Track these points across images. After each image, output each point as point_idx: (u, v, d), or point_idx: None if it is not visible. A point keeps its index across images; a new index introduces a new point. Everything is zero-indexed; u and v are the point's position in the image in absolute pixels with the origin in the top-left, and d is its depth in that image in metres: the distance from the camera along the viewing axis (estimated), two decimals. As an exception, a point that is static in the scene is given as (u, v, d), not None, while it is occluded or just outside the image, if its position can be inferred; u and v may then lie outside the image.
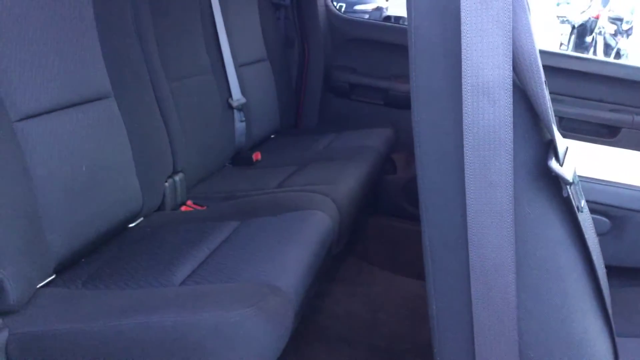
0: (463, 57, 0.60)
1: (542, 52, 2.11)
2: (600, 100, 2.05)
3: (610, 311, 0.71)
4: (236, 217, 1.23)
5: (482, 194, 0.63)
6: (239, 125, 1.77)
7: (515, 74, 0.61)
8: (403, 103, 2.14)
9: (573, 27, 10.27)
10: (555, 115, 2.08)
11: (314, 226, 1.14)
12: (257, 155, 1.80)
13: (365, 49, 2.32)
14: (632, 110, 2.01)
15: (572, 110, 2.04)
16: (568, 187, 0.63)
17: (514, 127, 0.62)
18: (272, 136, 2.16)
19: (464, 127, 0.62)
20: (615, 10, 8.12)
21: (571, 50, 9.87)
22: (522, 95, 0.63)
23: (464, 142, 0.62)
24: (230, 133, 1.74)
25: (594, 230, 0.70)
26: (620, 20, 7.33)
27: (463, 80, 0.60)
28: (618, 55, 6.69)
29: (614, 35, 7.30)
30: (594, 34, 8.62)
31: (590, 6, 10.09)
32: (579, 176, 1.23)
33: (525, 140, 0.63)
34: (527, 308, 0.66)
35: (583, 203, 0.66)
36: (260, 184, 1.51)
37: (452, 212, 0.67)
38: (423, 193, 0.69)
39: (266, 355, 0.84)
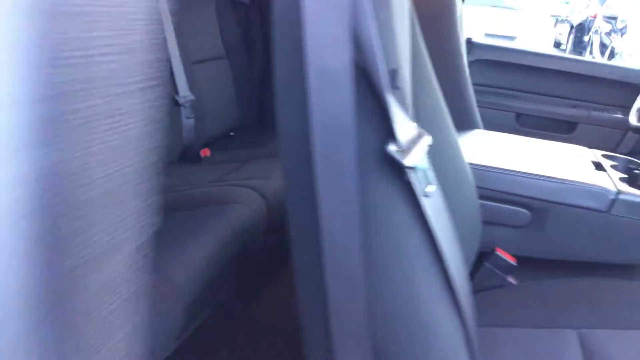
0: (305, 43, 0.60)
1: (500, 49, 2.11)
2: (559, 96, 2.04)
3: (462, 298, 0.70)
4: (155, 212, 1.23)
5: (329, 180, 0.63)
6: (186, 122, 1.77)
7: (359, 59, 0.61)
8: None
9: (572, 27, 10.25)
10: (513, 112, 2.08)
11: (227, 220, 1.14)
12: (205, 152, 1.80)
13: None
14: (589, 106, 2.00)
15: (530, 107, 2.03)
16: (410, 172, 0.62)
17: (359, 112, 0.61)
18: (232, 133, 2.16)
19: (310, 114, 0.62)
20: (611, 9, 8.10)
21: (570, 50, 9.87)
22: (369, 80, 0.62)
23: (312, 130, 0.62)
24: (176, 130, 1.74)
25: (446, 217, 0.69)
26: (615, 19, 7.30)
27: (307, 67, 0.61)
28: (612, 53, 6.66)
29: (609, 34, 7.27)
30: (590, 34, 8.60)
31: (588, 5, 10.06)
32: (501, 169, 1.23)
33: (371, 126, 0.63)
34: (376, 291, 0.65)
35: (431, 189, 0.65)
36: (195, 180, 1.52)
37: (308, 201, 0.67)
38: (286, 183, 0.69)
39: (156, 340, 0.85)
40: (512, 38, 6.71)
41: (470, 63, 2.06)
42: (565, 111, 1.99)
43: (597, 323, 0.98)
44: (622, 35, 6.80)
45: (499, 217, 1.20)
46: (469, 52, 2.06)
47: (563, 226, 1.16)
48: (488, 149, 1.30)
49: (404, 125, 0.63)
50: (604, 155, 1.38)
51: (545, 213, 1.16)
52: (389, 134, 0.62)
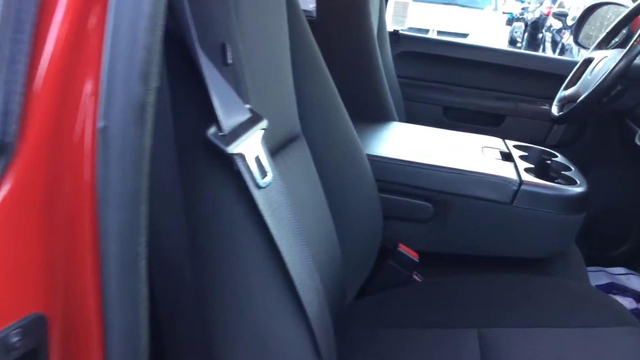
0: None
1: (426, 41, 2.06)
2: (486, 89, 2.00)
3: (309, 303, 0.63)
4: None
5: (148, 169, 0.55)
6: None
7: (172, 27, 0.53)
8: None
9: (526, 24, 10.42)
10: (440, 105, 2.03)
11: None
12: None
13: None
14: (517, 98, 1.97)
15: (457, 100, 1.99)
16: (238, 160, 0.55)
17: (175, 91, 0.54)
18: None
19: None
20: (563, 5, 8.24)
21: (525, 47, 10.02)
22: (183, 52, 0.54)
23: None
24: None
25: (287, 210, 0.62)
26: (565, 16, 7.40)
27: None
28: (563, 50, 6.75)
29: (559, 31, 7.37)
30: (543, 31, 8.74)
31: (542, 3, 10.24)
32: (400, 160, 1.16)
33: (190, 108, 0.55)
34: (208, 296, 0.58)
35: (268, 178, 0.58)
36: None
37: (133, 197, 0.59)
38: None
39: None
40: (464, 35, 6.75)
41: (397, 55, 2.01)
42: (492, 104, 1.96)
43: (498, 321, 0.93)
44: (571, 32, 6.89)
45: (401, 211, 1.14)
46: (395, 44, 2.01)
47: (466, 219, 1.11)
48: (393, 141, 1.24)
49: (230, 107, 0.55)
50: (516, 146, 1.33)
51: (447, 206, 1.11)
52: (211, 117, 0.54)
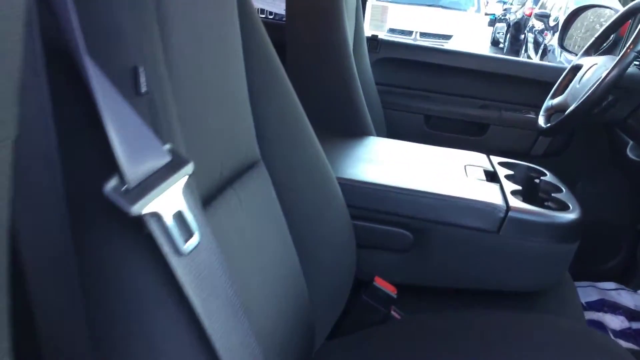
0: None
1: (407, 46, 1.96)
2: (469, 96, 1.91)
3: None
4: None
5: (32, 234, 0.43)
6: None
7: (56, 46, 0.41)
8: None
9: (508, 25, 10.41)
10: (421, 114, 1.93)
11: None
12: None
13: None
14: (501, 106, 1.87)
15: (439, 108, 1.89)
16: (151, 221, 0.42)
17: (65, 143, 0.41)
18: None
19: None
20: (545, 6, 8.22)
21: (507, 48, 10.00)
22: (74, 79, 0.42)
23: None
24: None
25: (223, 280, 0.49)
26: (547, 17, 7.38)
27: None
28: (545, 51, 6.71)
29: (541, 32, 7.35)
30: (525, 31, 8.72)
31: (524, 4, 10.24)
32: (375, 184, 1.05)
33: (84, 153, 0.43)
34: None
35: (193, 241, 0.45)
36: None
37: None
38: None
39: None
40: (448, 37, 6.69)
41: (376, 62, 1.90)
42: (476, 112, 1.86)
43: None
44: (553, 33, 6.86)
45: (377, 241, 1.03)
46: (374, 50, 1.91)
47: (448, 249, 1.00)
48: (368, 160, 1.13)
49: (139, 151, 0.43)
50: (501, 163, 1.23)
51: (428, 235, 1.00)
52: (112, 166, 0.42)
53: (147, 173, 0.42)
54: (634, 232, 1.83)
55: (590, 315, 1.70)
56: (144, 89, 0.46)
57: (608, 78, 1.19)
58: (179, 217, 0.44)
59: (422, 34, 6.60)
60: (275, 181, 0.82)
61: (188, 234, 0.45)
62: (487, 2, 8.89)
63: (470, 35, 6.76)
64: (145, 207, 0.41)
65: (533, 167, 1.23)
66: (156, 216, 0.42)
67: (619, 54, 1.73)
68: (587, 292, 1.85)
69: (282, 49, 1.42)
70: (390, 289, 0.99)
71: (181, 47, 0.55)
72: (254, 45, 0.79)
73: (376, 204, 1.00)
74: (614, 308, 1.77)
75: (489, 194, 1.00)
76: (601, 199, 1.84)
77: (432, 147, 1.29)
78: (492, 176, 1.15)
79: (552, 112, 1.52)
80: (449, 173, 1.10)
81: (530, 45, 7.85)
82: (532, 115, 1.83)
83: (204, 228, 0.47)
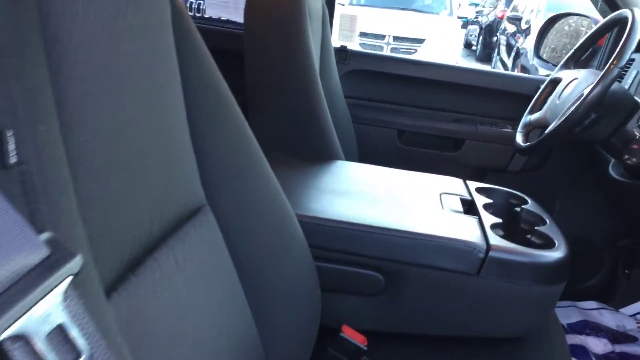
0: None
1: (378, 57, 1.85)
2: (444, 110, 1.82)
3: None
4: None
5: None
6: None
7: None
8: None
9: (481, 28, 10.46)
10: (395, 129, 1.83)
11: None
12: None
13: None
14: (477, 120, 1.79)
15: (413, 122, 1.79)
16: (18, 347, 0.31)
17: None
18: None
19: None
20: (517, 9, 8.25)
21: (479, 51, 10.04)
22: None
23: None
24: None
25: None
26: (519, 19, 7.40)
27: None
28: (518, 54, 6.71)
29: (514, 34, 7.36)
30: (498, 34, 8.75)
31: (496, 6, 10.30)
32: (340, 221, 0.95)
33: None
34: None
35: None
36: None
37: None
38: None
39: None
40: (421, 41, 6.64)
41: (346, 74, 1.80)
42: (450, 126, 1.77)
43: None
44: (526, 36, 6.87)
45: (344, 284, 0.92)
46: (343, 62, 1.80)
47: (423, 293, 0.90)
48: (332, 192, 1.02)
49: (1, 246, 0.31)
50: (479, 189, 1.13)
51: (401, 277, 0.89)
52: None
53: (10, 279, 0.31)
54: (615, 249, 1.76)
55: (573, 339, 1.62)
56: (13, 159, 0.34)
57: (591, 96, 1.11)
58: (59, 334, 0.33)
59: (395, 38, 6.53)
60: (224, 227, 0.71)
61: (73, 354, 0.33)
62: (460, 5, 8.90)
63: (444, 38, 6.71)
64: (5, 330, 0.30)
65: (513, 194, 1.14)
66: (22, 340, 0.31)
67: (600, 67, 1.66)
68: (568, 313, 1.78)
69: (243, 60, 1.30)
70: (359, 340, 0.88)
71: (85, 84, 0.44)
72: (194, 69, 0.67)
73: (342, 245, 0.89)
74: (597, 330, 1.70)
75: (468, 231, 0.90)
76: (581, 215, 1.77)
77: (405, 173, 1.19)
78: (469, 205, 1.05)
79: (530, 129, 1.44)
80: (423, 205, 1.00)
81: (503, 48, 7.87)
82: (509, 130, 1.75)
83: (99, 342, 0.35)
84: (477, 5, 11.72)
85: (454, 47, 6.87)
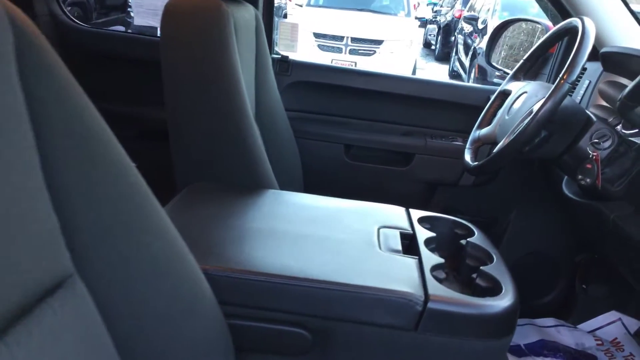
0: None
1: (322, 68, 1.72)
2: (392, 122, 1.71)
3: None
4: None
5: None
6: None
7: None
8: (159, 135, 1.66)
9: (439, 28, 10.49)
10: (341, 143, 1.72)
11: None
12: None
13: (111, 67, 1.82)
14: (427, 132, 1.69)
15: (360, 137, 1.68)
16: None
17: None
18: None
19: None
20: (474, 8, 8.29)
21: (438, 50, 10.06)
22: None
23: None
24: None
25: None
26: (476, 19, 7.42)
27: None
28: (475, 54, 6.72)
29: (470, 34, 7.37)
30: (455, 34, 8.78)
31: (453, 6, 10.35)
32: (255, 273, 0.82)
33: None
34: None
35: None
36: None
37: None
38: None
39: None
40: (380, 42, 6.57)
41: (288, 86, 1.68)
42: (399, 140, 1.67)
43: None
44: (482, 36, 6.89)
45: (265, 343, 0.80)
46: (285, 73, 1.68)
47: (354, 352, 0.78)
48: (252, 232, 0.89)
49: None
50: (421, 219, 1.03)
51: (330, 334, 0.78)
52: None
53: None
54: (572, 264, 1.69)
55: (530, 362, 1.55)
56: None
57: (540, 113, 1.02)
58: None
59: (354, 39, 6.44)
60: (100, 300, 0.57)
61: None
62: (418, 4, 8.89)
63: (402, 39, 6.66)
64: None
65: (459, 223, 1.03)
66: None
67: (551, 79, 1.59)
68: (525, 332, 1.70)
69: None
70: (283, 408, 0.76)
71: None
72: (54, 108, 0.53)
73: (259, 300, 0.76)
74: (555, 350, 1.63)
75: (405, 278, 0.79)
76: (537, 229, 1.69)
77: (342, 202, 1.07)
78: (410, 240, 0.94)
79: (479, 145, 1.35)
80: (357, 245, 0.88)
81: (461, 48, 7.89)
82: (459, 143, 1.66)
83: None
84: (435, 4, 11.76)
85: (412, 48, 6.82)
